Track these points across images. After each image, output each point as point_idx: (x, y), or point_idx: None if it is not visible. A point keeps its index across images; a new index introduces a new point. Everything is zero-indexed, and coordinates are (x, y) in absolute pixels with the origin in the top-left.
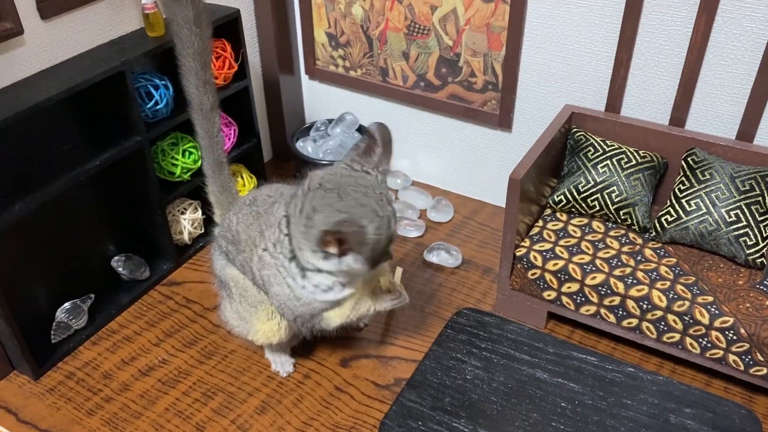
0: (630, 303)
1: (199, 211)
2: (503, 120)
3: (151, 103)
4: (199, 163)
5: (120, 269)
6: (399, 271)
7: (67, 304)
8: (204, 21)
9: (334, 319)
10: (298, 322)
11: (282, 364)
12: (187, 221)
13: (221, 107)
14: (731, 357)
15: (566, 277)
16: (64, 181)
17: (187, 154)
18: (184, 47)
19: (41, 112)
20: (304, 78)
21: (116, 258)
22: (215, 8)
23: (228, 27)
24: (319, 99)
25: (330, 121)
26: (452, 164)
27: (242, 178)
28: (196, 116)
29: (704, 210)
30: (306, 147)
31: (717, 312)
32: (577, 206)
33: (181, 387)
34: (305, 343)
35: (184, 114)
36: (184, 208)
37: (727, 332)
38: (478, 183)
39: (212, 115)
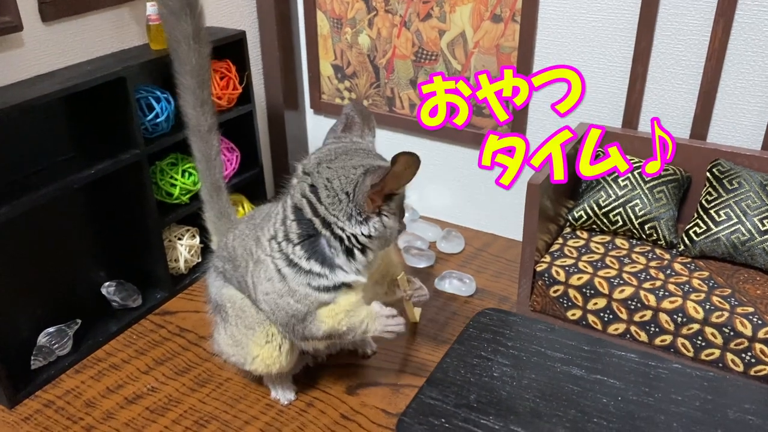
0: (663, 317)
1: (197, 238)
2: None
3: (152, 116)
4: (198, 185)
5: (111, 296)
6: (414, 309)
7: (51, 329)
8: (203, 37)
9: (326, 320)
10: (291, 325)
11: (283, 392)
12: (184, 248)
13: (225, 131)
14: None
15: (592, 292)
16: (57, 187)
17: (186, 174)
18: (182, 64)
19: (39, 117)
20: (309, 112)
21: (107, 284)
22: (220, 30)
23: (233, 48)
24: (323, 132)
25: None
26: (462, 195)
27: (243, 208)
28: (193, 138)
29: (735, 219)
30: None
31: (760, 322)
32: (599, 222)
33: (170, 415)
34: (308, 371)
35: (184, 132)
36: (182, 234)
37: None
38: (489, 215)
39: (210, 137)
